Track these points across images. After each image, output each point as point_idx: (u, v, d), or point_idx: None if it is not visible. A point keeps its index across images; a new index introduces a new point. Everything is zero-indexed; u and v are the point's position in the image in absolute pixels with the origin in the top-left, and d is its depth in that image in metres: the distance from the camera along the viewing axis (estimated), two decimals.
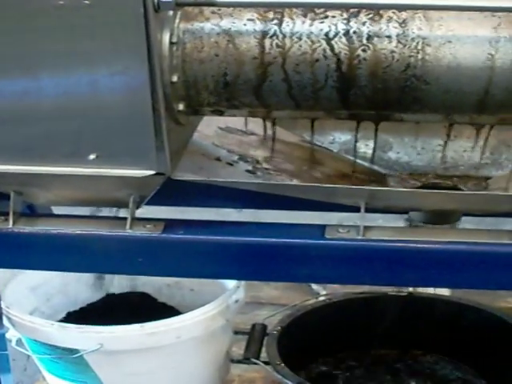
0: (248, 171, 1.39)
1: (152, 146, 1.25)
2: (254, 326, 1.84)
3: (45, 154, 1.29)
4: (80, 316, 1.93)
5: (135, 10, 1.16)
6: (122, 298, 1.95)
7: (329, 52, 1.21)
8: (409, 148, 1.50)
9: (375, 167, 1.50)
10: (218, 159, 1.40)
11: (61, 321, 1.87)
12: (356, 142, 1.52)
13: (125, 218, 1.37)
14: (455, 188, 1.46)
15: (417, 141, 1.51)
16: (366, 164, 1.50)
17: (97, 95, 1.23)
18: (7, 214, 1.38)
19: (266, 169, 1.40)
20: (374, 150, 1.50)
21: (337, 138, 1.52)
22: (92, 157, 1.28)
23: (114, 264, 1.44)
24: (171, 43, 1.23)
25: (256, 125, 1.50)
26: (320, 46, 1.21)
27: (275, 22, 1.22)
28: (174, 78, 1.25)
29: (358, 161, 1.51)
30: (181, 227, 1.39)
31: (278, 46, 1.22)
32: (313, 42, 1.21)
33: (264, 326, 1.84)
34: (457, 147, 1.50)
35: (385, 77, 1.21)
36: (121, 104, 1.23)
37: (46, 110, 1.25)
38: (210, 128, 1.46)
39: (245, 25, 1.23)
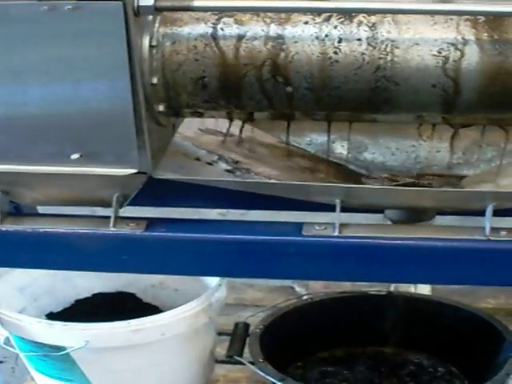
0: (227, 171, 1.44)
1: (134, 145, 1.31)
2: (236, 324, 1.89)
3: (29, 153, 1.35)
4: (65, 314, 1.97)
5: (116, 15, 1.21)
6: (108, 298, 1.99)
7: (302, 54, 1.27)
8: (384, 149, 1.56)
9: (351, 167, 1.55)
10: (198, 159, 1.46)
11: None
12: (332, 142, 1.57)
13: (108, 217, 1.43)
14: (430, 187, 1.52)
15: (391, 142, 1.56)
16: (344, 164, 1.55)
17: (79, 97, 1.28)
18: None
19: (245, 169, 1.46)
20: (349, 149, 1.56)
21: (314, 139, 1.58)
22: (75, 156, 1.33)
23: (98, 262, 1.48)
24: (151, 46, 1.29)
25: (236, 127, 1.55)
26: (293, 48, 1.27)
27: (250, 25, 1.28)
28: (154, 80, 1.30)
29: (334, 160, 1.57)
30: (163, 225, 1.44)
31: (252, 49, 1.27)
32: (287, 45, 1.27)
33: (246, 325, 1.89)
34: (430, 148, 1.55)
35: (356, 78, 1.27)
36: (103, 105, 1.28)
37: (30, 111, 1.31)
38: (190, 130, 1.52)
39: (221, 29, 1.29)
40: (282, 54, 1.27)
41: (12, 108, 1.31)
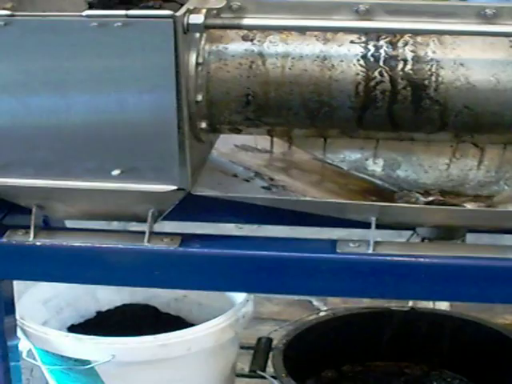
0: (264, 187, 1.45)
1: (175, 162, 1.31)
2: (259, 339, 1.88)
3: (70, 168, 1.34)
4: (86, 327, 1.96)
5: (166, 32, 1.22)
6: (129, 311, 1.98)
7: (347, 74, 1.27)
8: (417, 166, 1.56)
9: (385, 185, 1.56)
10: (235, 176, 1.46)
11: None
12: (364, 159, 1.58)
13: (142, 232, 1.42)
14: (461, 206, 1.52)
15: (424, 159, 1.57)
16: (376, 181, 1.56)
17: (123, 112, 1.28)
18: (27, 227, 1.43)
19: (281, 185, 1.46)
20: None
21: (347, 156, 1.58)
22: (116, 172, 1.33)
23: (131, 277, 1.48)
24: (197, 64, 1.29)
25: (269, 142, 1.56)
26: (339, 67, 1.27)
27: (297, 44, 1.29)
28: (199, 98, 1.30)
29: (368, 178, 1.57)
30: (197, 241, 1.44)
31: (298, 67, 1.28)
32: (332, 64, 1.28)
33: (269, 340, 1.88)
34: (462, 166, 1.56)
35: (400, 98, 1.27)
36: (146, 121, 1.29)
37: (73, 125, 1.30)
38: (226, 146, 1.52)
39: (267, 47, 1.29)
40: (328, 73, 1.27)
41: (55, 122, 1.31)
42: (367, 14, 1.29)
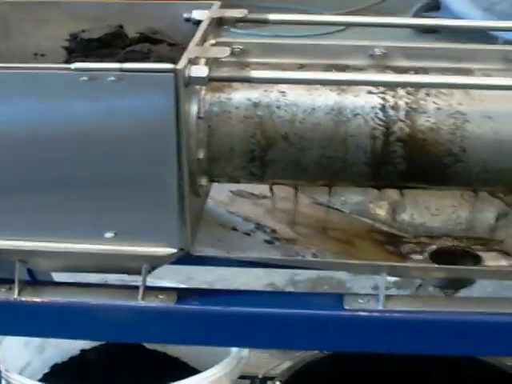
0: (266, 241, 1.30)
1: (175, 223, 1.16)
2: (253, 379, 1.75)
3: (57, 229, 1.18)
4: (69, 366, 1.81)
5: (165, 87, 1.05)
6: (115, 349, 1.82)
7: (364, 128, 1.13)
8: (423, 209, 1.43)
9: (390, 230, 1.42)
10: (235, 229, 1.31)
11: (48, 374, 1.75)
12: (368, 202, 1.44)
13: (136, 287, 1.27)
14: (471, 252, 1.40)
15: (431, 201, 1.43)
16: (382, 227, 1.42)
17: (118, 171, 1.12)
18: (11, 281, 1.25)
19: (284, 239, 1.32)
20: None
21: (348, 198, 1.44)
22: (109, 235, 1.17)
23: (125, 333, 1.32)
24: (198, 117, 1.13)
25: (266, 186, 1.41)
26: (354, 121, 1.13)
27: (309, 95, 1.13)
28: (201, 155, 1.15)
29: (371, 222, 1.43)
30: (195, 297, 1.29)
31: (311, 121, 1.13)
32: (348, 117, 1.13)
33: (264, 380, 1.75)
34: (471, 208, 1.43)
35: (421, 154, 1.13)
36: (143, 181, 1.13)
37: (61, 183, 1.14)
38: (221, 193, 1.37)
39: (276, 98, 1.14)
40: (343, 128, 1.12)
41: (40, 178, 1.15)
42: (384, 58, 1.15)
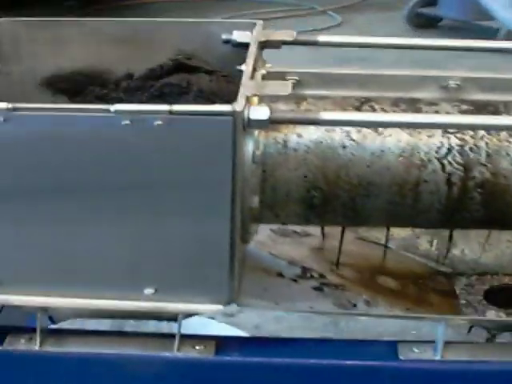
0: (315, 288, 1.16)
1: (224, 277, 1.01)
2: None
3: (90, 284, 1.02)
4: None
5: (221, 131, 0.90)
6: None
7: (439, 172, 0.98)
8: (475, 244, 1.29)
9: (440, 267, 1.29)
10: (281, 275, 1.16)
11: None
12: (416, 237, 1.30)
13: (170, 336, 1.12)
14: None
15: (483, 236, 1.30)
16: (431, 264, 1.29)
17: (161, 220, 0.97)
18: (30, 329, 1.10)
19: (333, 285, 1.17)
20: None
21: (395, 233, 1.30)
22: (149, 291, 1.02)
23: None
24: (253, 162, 0.98)
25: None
26: (429, 164, 0.98)
27: (377, 135, 0.99)
28: (254, 203, 1.00)
29: (420, 259, 1.30)
30: (234, 347, 1.15)
31: (379, 164, 0.98)
32: (421, 159, 0.98)
33: None
34: None
35: (502, 201, 1.00)
36: (192, 232, 0.97)
37: (96, 235, 0.98)
38: (262, 231, 1.22)
39: (340, 139, 0.99)
40: (415, 172, 0.98)
41: (73, 230, 0.99)
42: (458, 91, 1.00)
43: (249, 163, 0.96)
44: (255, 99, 0.95)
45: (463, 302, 1.24)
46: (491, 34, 3.43)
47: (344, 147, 0.98)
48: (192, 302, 1.03)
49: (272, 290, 1.13)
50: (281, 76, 1.03)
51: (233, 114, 0.89)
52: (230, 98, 1.01)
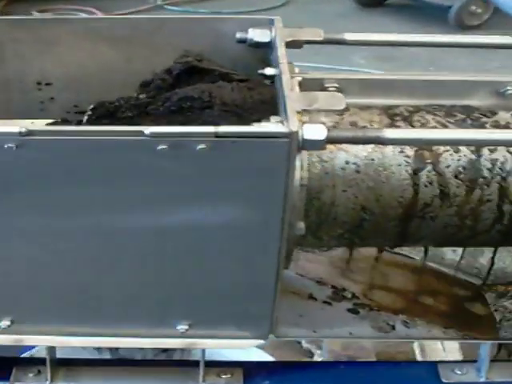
0: (350, 311, 1.05)
1: (267, 310, 0.89)
2: None
3: (115, 320, 0.89)
4: None
5: (274, 154, 0.77)
6: None
7: (504, 190, 0.88)
8: (503, 251, 1.20)
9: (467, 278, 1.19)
10: (312, 297, 1.05)
11: None
12: None
13: (193, 364, 0.99)
14: None
15: None
16: (458, 274, 1.19)
17: (203, 253, 0.84)
18: (39, 362, 0.96)
19: (367, 305, 1.06)
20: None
21: None
22: (183, 327, 0.88)
23: None
24: (301, 185, 0.85)
25: None
26: (492, 183, 0.87)
27: (436, 152, 0.87)
28: (300, 231, 0.87)
29: (445, 270, 1.20)
30: (264, 374, 1.03)
31: (439, 183, 0.87)
32: (483, 178, 0.87)
33: None
34: None
35: None
36: (232, 263, 0.85)
37: (125, 266, 0.85)
38: None
39: (394, 156, 0.86)
40: (477, 192, 0.87)
41: (104, 259, 0.85)
42: None
43: (297, 185, 0.83)
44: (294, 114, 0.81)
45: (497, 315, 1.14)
46: (442, 11, 3.34)
47: (399, 165, 0.86)
48: (230, 338, 0.90)
49: (307, 316, 1.03)
50: (319, 83, 0.90)
51: (289, 135, 0.75)
52: (257, 110, 0.88)
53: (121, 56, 1.02)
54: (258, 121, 0.79)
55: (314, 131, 0.77)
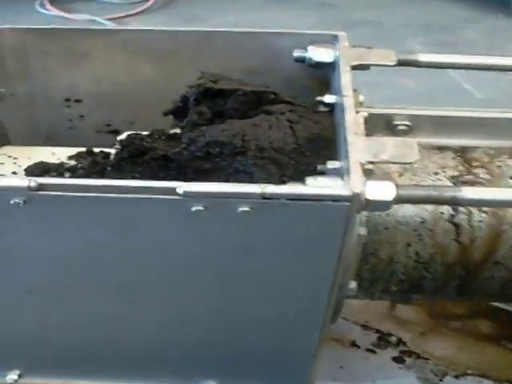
0: (395, 359, 0.92)
1: (308, 366, 0.78)
2: None
3: (138, 376, 0.78)
4: None
5: (331, 217, 0.63)
6: None
7: None
8: None
9: None
10: (355, 344, 0.92)
11: None
12: None
13: None
14: None
15: None
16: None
17: (241, 309, 0.72)
18: None
19: (414, 352, 0.94)
20: None
21: None
22: None
23: None
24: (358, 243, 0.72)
25: None
26: None
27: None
28: (352, 291, 0.74)
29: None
30: None
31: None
32: None
33: None
34: None
35: None
36: (272, 325, 0.73)
37: (151, 328, 0.74)
38: None
39: (468, 217, 0.72)
40: None
41: (130, 318, 0.74)
42: None
43: (353, 243, 0.70)
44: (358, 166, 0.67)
45: None
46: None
47: (469, 219, 0.72)
48: None
49: (348, 367, 0.92)
50: (387, 120, 0.76)
51: (351, 198, 0.61)
52: (302, 153, 0.73)
53: (160, 72, 0.89)
54: (303, 171, 0.66)
55: (381, 191, 0.63)
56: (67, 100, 0.92)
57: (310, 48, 0.85)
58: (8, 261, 0.65)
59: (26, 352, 0.76)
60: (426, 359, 0.95)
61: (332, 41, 0.86)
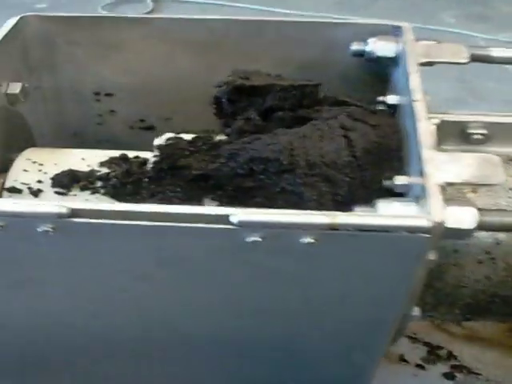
0: (445, 376, 0.85)
1: None
2: None
3: None
4: None
5: (410, 248, 0.55)
6: None
7: None
8: None
9: None
10: (403, 360, 0.85)
11: None
12: None
13: None
14: None
15: None
16: None
17: (293, 347, 0.64)
18: None
19: (464, 367, 0.86)
20: None
21: None
22: None
23: None
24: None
25: None
26: None
27: None
28: (415, 318, 0.66)
29: None
30: None
31: None
32: None
33: None
34: None
35: None
36: (330, 357, 0.66)
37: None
38: None
39: None
40: None
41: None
42: None
43: (421, 271, 0.61)
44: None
45: None
46: None
47: None
48: None
49: None
50: (461, 128, 0.67)
51: (431, 230, 0.53)
52: (359, 167, 0.64)
53: (202, 64, 0.80)
54: (360, 188, 0.58)
55: (462, 218, 0.54)
56: (97, 94, 0.83)
57: (370, 41, 0.76)
58: (35, 297, 0.57)
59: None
60: (478, 375, 0.87)
61: (394, 32, 0.76)
